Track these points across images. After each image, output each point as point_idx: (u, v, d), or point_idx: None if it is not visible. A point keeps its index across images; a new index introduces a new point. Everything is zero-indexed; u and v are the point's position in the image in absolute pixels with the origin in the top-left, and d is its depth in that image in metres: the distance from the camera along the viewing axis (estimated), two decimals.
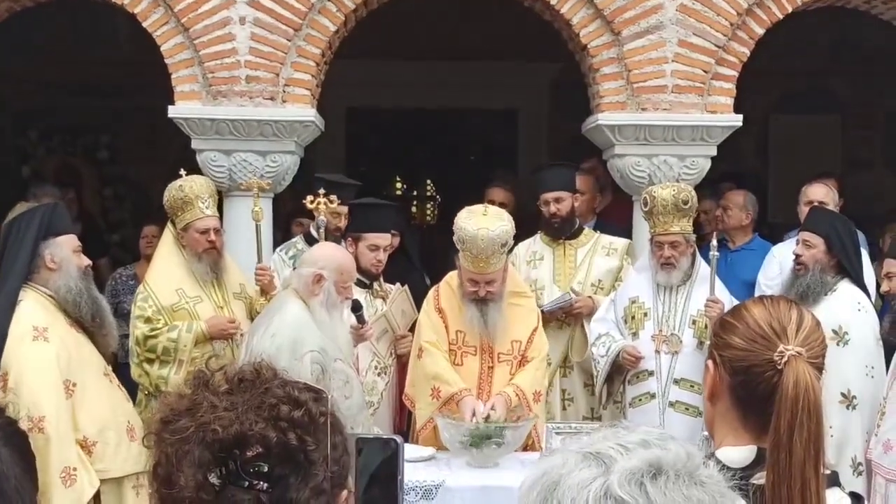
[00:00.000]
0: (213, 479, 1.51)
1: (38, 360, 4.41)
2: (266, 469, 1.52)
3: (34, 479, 1.75)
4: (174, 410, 1.58)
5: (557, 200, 6.15)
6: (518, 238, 6.19)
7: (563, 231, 6.18)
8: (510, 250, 5.32)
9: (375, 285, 5.67)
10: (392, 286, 5.76)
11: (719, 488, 1.36)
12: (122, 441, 4.68)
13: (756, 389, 1.96)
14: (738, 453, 1.97)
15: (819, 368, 1.97)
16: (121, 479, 4.69)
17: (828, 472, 1.93)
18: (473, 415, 4.96)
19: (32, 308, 4.53)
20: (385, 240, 5.62)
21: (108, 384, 4.74)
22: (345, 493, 1.63)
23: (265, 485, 1.52)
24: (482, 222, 5.01)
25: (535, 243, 6.23)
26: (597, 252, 6.17)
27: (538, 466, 1.40)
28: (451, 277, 5.37)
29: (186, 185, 5.56)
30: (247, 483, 1.51)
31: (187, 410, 1.57)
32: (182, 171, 5.71)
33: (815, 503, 1.85)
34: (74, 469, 4.40)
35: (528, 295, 5.55)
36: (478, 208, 5.19)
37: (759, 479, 1.89)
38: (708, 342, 5.27)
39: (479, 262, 5.03)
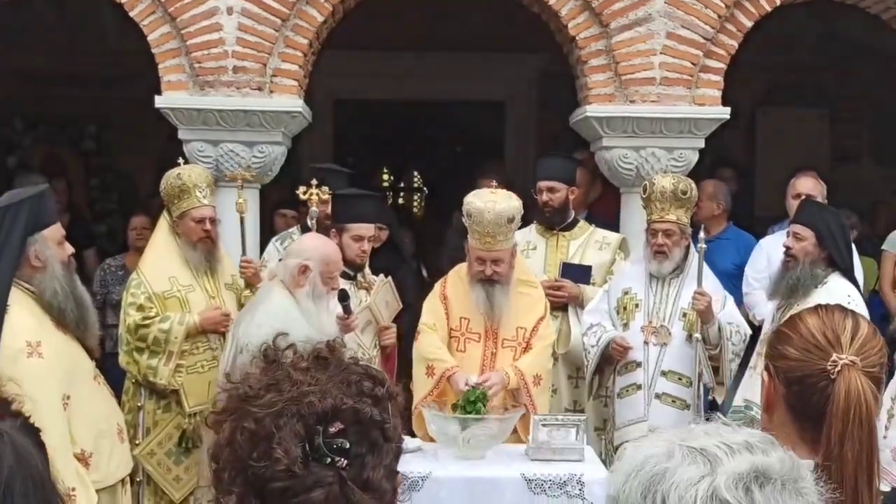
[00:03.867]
0: (298, 453, 1.49)
1: (34, 379, 4.14)
2: (347, 446, 1.50)
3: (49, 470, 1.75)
4: (253, 387, 1.55)
5: (551, 190, 6.13)
6: None
7: (553, 221, 6.18)
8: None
9: (360, 276, 5.65)
10: (376, 277, 5.74)
11: (818, 499, 1.34)
12: (115, 446, 4.57)
13: (810, 400, 1.92)
14: None
15: (876, 378, 1.92)
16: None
17: (886, 488, 1.88)
18: (466, 383, 4.99)
19: (19, 316, 4.27)
20: (369, 230, 5.59)
21: (97, 388, 4.59)
22: (400, 476, 1.61)
23: (345, 462, 1.49)
24: (490, 197, 5.14)
25: (530, 233, 6.22)
26: (589, 245, 6.16)
27: (636, 452, 1.36)
28: (461, 268, 5.43)
29: (185, 174, 5.56)
30: (329, 459, 1.49)
31: (270, 386, 1.54)
32: (180, 160, 5.73)
33: None
34: (73, 490, 4.22)
35: (536, 285, 5.55)
36: (486, 189, 5.32)
37: None
38: (696, 335, 5.33)
39: (486, 237, 5.10)
